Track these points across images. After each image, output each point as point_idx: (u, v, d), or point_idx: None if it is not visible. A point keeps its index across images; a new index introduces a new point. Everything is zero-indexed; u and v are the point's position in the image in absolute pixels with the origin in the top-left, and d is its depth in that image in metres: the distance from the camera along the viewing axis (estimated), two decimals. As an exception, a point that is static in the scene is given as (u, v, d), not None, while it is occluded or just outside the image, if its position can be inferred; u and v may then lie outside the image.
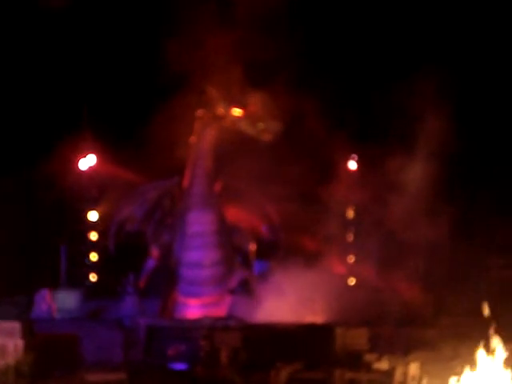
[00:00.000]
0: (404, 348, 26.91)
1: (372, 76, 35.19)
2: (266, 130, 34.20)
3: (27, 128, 38.52)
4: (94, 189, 37.51)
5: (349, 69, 35.57)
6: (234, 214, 34.81)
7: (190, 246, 34.15)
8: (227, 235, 34.46)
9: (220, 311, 33.01)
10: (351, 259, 36.98)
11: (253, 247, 34.82)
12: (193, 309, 33.64)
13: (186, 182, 35.34)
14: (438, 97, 32.08)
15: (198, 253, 33.93)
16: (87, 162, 37.68)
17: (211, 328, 28.62)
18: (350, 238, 37.14)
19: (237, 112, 34.54)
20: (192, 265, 33.90)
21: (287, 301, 31.28)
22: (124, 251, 35.88)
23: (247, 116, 34.40)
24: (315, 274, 32.05)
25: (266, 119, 34.20)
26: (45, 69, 38.97)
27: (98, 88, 38.40)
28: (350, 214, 37.18)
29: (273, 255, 34.03)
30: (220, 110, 34.60)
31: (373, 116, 35.09)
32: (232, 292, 32.75)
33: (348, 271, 36.38)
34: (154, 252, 35.17)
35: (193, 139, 35.35)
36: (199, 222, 34.21)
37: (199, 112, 34.89)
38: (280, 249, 34.18)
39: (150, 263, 34.88)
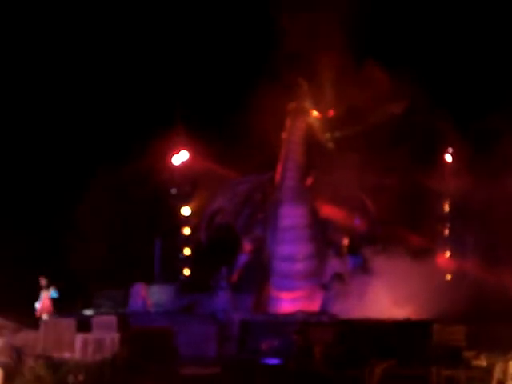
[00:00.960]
0: (504, 345, 26.04)
1: (473, 68, 34.45)
2: (332, 140, 34.24)
3: (121, 125, 39.16)
4: (187, 184, 37.82)
5: (451, 60, 34.90)
6: (327, 207, 34.55)
7: (282, 240, 34.08)
8: (320, 229, 34.21)
9: (313, 305, 32.74)
10: (449, 252, 36.09)
11: (346, 241, 34.42)
12: (286, 303, 33.49)
13: (278, 176, 35.28)
14: None
15: (291, 246, 33.83)
16: (180, 157, 38.02)
17: (305, 323, 28.31)
18: (448, 230, 36.28)
19: (315, 113, 34.59)
20: (285, 258, 33.81)
21: (382, 296, 30.74)
22: (216, 245, 36.08)
23: (323, 120, 34.39)
24: (411, 268, 31.40)
25: (339, 128, 34.16)
26: (139, 66, 39.61)
27: (190, 84, 38.74)
28: (448, 206, 36.36)
29: (368, 248, 33.47)
30: (307, 105, 34.60)
31: (471, 107, 34.29)
32: (325, 287, 32.39)
33: (446, 265, 35.52)
34: (247, 246, 35.22)
35: (285, 134, 35.37)
36: (291, 216, 34.11)
37: (290, 105, 34.83)
38: (376, 242, 33.64)
39: (243, 258, 34.95)
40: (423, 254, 33.45)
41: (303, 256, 33.75)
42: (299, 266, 33.74)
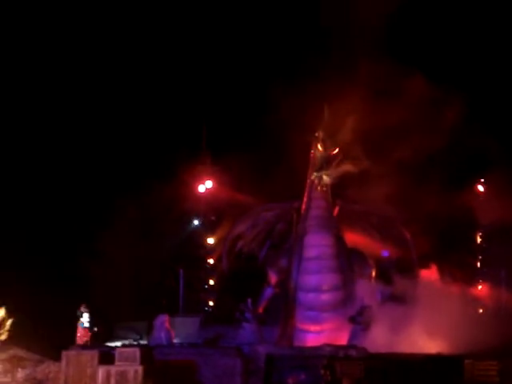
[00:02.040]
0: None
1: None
2: (317, 177, 33.69)
3: (147, 154, 39.07)
4: (211, 213, 37.50)
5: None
6: (355, 237, 33.98)
7: (307, 270, 33.34)
8: (347, 259, 33.54)
9: (341, 338, 31.93)
10: (481, 285, 35.29)
11: (374, 271, 33.73)
12: (312, 335, 32.65)
13: (303, 206, 34.79)
14: None
15: (316, 277, 33.06)
16: (205, 186, 37.75)
17: (332, 357, 27.59)
18: (480, 262, 35.53)
19: (319, 147, 34.11)
20: (310, 289, 33.06)
21: (412, 328, 29.98)
22: (240, 275, 35.56)
23: (322, 156, 33.96)
24: (444, 300, 30.64)
25: (329, 168, 33.72)
26: (165, 97, 39.69)
27: (215, 113, 38.71)
28: (480, 237, 35.64)
29: (399, 279, 32.69)
30: (319, 134, 34.21)
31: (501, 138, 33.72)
32: (353, 319, 31.62)
33: (478, 298, 34.70)
34: (272, 278, 34.53)
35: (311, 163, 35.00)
36: (317, 245, 33.42)
37: (312, 136, 34.49)
38: (410, 272, 32.82)
39: (268, 291, 34.24)
40: (455, 285, 32.66)
41: (329, 286, 32.99)
42: (325, 297, 32.96)
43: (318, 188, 33.48)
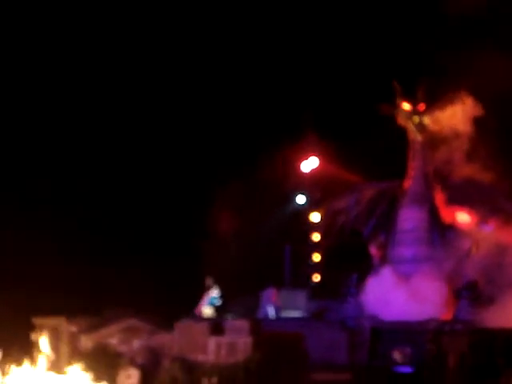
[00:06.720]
0: None
1: None
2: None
3: (251, 131, 39.61)
4: (317, 190, 37.78)
5: None
6: (454, 212, 34.09)
7: (401, 242, 33.93)
8: (441, 233, 33.74)
9: (439, 310, 31.95)
10: None
11: (474, 248, 33.55)
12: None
13: (406, 183, 35.16)
14: None
15: (410, 248, 33.57)
16: (310, 163, 38.03)
17: (438, 332, 27.79)
18: None
19: (406, 106, 34.12)
20: (404, 260, 33.56)
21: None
22: (345, 251, 35.95)
23: (412, 113, 33.89)
24: None
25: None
26: (268, 71, 40.10)
27: (321, 91, 38.85)
28: None
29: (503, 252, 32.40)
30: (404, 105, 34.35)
31: None
32: (459, 294, 31.64)
33: None
34: (374, 252, 35.02)
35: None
36: (410, 219, 34.04)
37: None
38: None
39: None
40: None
41: (423, 258, 33.36)
42: (419, 269, 33.23)
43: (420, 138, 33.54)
